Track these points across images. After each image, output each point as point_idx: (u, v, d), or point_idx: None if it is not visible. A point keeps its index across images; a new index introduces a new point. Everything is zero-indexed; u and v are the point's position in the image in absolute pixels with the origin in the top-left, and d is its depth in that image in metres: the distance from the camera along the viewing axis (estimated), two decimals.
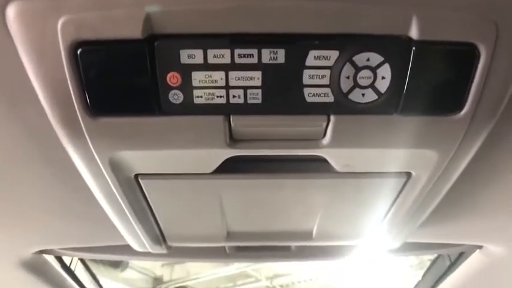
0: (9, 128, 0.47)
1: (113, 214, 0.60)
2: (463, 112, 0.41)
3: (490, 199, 0.66)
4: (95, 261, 1.39)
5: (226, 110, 0.41)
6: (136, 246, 0.73)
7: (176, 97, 0.39)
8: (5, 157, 0.53)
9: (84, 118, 0.40)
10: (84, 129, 0.41)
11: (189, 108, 0.40)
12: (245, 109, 0.41)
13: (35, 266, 0.88)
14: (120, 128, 0.42)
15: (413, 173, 0.52)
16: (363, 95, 0.40)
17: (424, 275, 1.21)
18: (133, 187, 0.54)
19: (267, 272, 2.80)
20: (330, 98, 0.40)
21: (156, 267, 5.61)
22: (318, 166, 0.54)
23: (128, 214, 0.58)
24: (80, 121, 0.40)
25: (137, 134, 0.43)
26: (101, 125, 0.41)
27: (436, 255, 1.12)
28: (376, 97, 0.40)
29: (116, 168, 0.48)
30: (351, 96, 0.40)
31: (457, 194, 0.60)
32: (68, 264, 1.05)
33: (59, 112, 0.40)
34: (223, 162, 0.49)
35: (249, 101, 0.40)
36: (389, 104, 0.40)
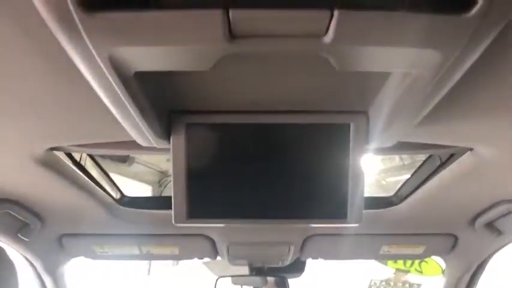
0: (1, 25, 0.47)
1: (116, 111, 0.60)
2: (472, 11, 0.39)
3: (486, 102, 0.67)
4: (103, 157, 1.30)
5: (224, 2, 0.40)
6: (141, 142, 0.76)
7: None
8: (3, 54, 0.53)
9: (79, 14, 0.38)
10: (79, 25, 0.40)
11: (185, 1, 0.39)
12: (244, 2, 0.39)
13: (47, 162, 0.91)
14: (117, 23, 0.40)
15: (414, 73, 0.52)
16: None
17: (414, 173, 1.23)
18: (135, 84, 0.54)
19: None
20: None
21: (162, 162, 4.75)
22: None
23: (131, 110, 0.59)
24: (74, 17, 0.39)
25: (134, 29, 0.42)
26: (97, 20, 0.40)
27: (427, 155, 1.17)
28: None
29: (115, 65, 0.47)
30: None
31: (455, 96, 0.59)
32: (78, 160, 1.06)
33: (52, 8, 0.38)
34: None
35: None
36: None
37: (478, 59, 0.47)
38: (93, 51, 0.43)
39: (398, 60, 0.49)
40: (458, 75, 0.50)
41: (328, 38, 0.43)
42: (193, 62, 0.50)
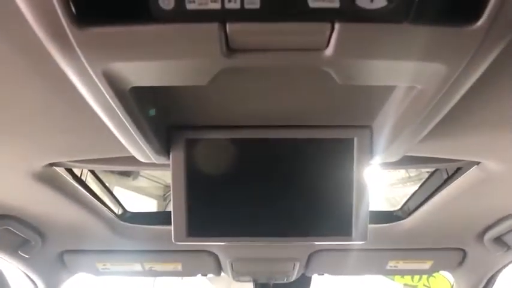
0: None
1: (113, 127, 0.58)
2: (478, 24, 0.38)
3: (493, 116, 0.65)
4: (106, 171, 1.30)
5: (221, 16, 0.38)
6: (140, 157, 0.74)
7: (166, 2, 0.37)
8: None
9: (72, 29, 0.37)
10: (73, 41, 0.38)
11: (181, 14, 0.37)
12: (242, 15, 0.37)
13: (47, 178, 0.89)
14: (111, 38, 0.39)
15: (419, 87, 0.50)
16: (372, 0, 0.36)
17: (421, 186, 1.21)
18: (131, 100, 0.52)
19: None
20: (335, 3, 0.37)
21: (166, 176, 4.57)
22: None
23: (129, 126, 0.57)
24: (67, 33, 0.38)
25: (129, 44, 0.40)
26: (90, 36, 0.38)
27: (434, 168, 1.16)
28: (386, 3, 0.36)
29: (110, 80, 0.45)
30: (359, 2, 0.37)
31: (461, 110, 0.58)
32: (79, 175, 1.04)
33: (45, 24, 0.37)
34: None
35: (246, 6, 0.37)
36: (400, 10, 0.37)
37: (485, 72, 0.45)
38: (88, 67, 0.42)
39: (402, 74, 0.47)
40: (463, 89, 0.48)
41: (329, 51, 0.41)
42: (190, 76, 0.48)
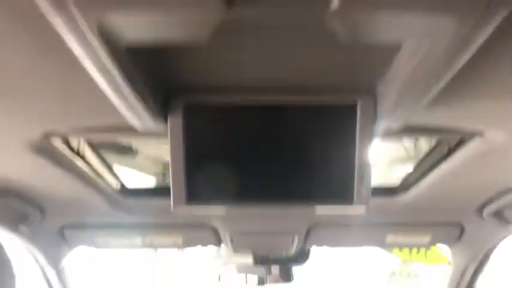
0: None
1: (109, 89, 0.56)
2: None
3: (498, 84, 0.64)
4: (104, 149, 1.31)
5: None
6: (137, 124, 0.73)
7: None
8: None
9: None
10: None
11: None
12: None
13: (45, 151, 0.89)
14: None
15: (426, 45, 0.47)
16: None
17: (423, 159, 1.20)
18: (128, 60, 0.50)
19: None
20: None
21: (166, 153, 4.72)
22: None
23: (125, 89, 0.55)
24: None
25: None
26: None
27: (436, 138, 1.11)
28: None
29: (106, 37, 0.43)
30: None
31: (467, 77, 0.57)
32: (77, 150, 1.03)
33: None
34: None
35: None
36: None
37: (494, 39, 0.43)
38: (82, 20, 0.40)
39: (409, 29, 0.45)
40: (472, 49, 0.46)
41: (334, 4, 0.40)
42: (188, 31, 0.46)
